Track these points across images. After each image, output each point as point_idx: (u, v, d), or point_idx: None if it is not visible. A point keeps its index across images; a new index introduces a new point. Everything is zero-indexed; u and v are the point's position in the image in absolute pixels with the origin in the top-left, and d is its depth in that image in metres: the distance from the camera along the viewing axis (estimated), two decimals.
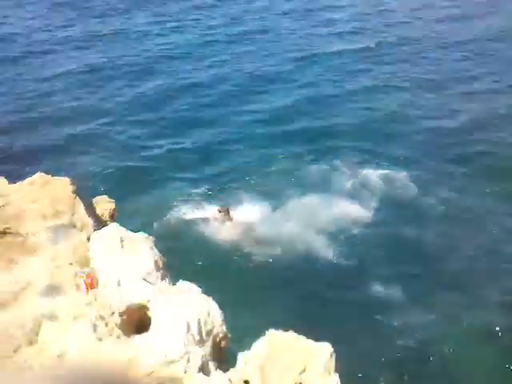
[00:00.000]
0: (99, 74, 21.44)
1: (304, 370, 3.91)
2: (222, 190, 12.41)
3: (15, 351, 4.34)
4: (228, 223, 10.66)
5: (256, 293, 8.91)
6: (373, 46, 23.12)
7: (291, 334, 4.19)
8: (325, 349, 4.03)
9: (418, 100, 17.95)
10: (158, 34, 25.46)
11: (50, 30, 26.79)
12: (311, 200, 11.62)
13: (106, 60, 23.48)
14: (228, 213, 10.79)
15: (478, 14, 27.16)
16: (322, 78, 19.96)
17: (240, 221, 10.95)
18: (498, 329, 8.34)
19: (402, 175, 12.89)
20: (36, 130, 16.18)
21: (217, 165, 13.91)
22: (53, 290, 5.00)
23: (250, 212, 11.23)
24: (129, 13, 29.21)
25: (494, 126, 15.75)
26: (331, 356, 4.02)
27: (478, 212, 11.72)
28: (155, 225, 10.34)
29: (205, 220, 11.00)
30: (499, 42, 22.80)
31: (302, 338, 4.14)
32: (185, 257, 9.45)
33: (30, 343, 4.37)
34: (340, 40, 23.99)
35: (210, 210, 11.08)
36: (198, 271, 8.61)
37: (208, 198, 11.91)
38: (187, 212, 11.26)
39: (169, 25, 26.58)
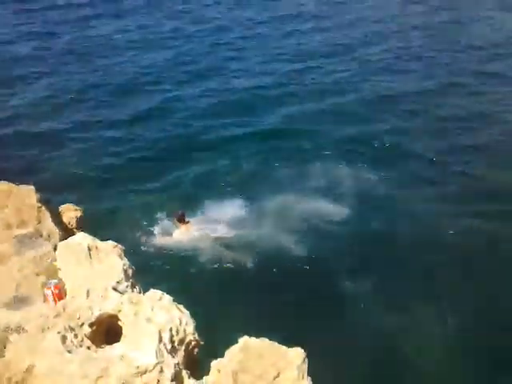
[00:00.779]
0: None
1: (277, 376, 3.94)
2: (186, 195, 12.26)
3: None
4: (184, 226, 10.47)
5: (227, 298, 8.85)
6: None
7: (264, 340, 4.21)
8: (297, 354, 4.06)
9: (391, 98, 18.34)
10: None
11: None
12: (282, 199, 11.66)
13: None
14: (183, 216, 10.59)
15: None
16: (292, 82, 20.17)
17: (201, 225, 10.83)
18: (471, 328, 8.55)
19: (374, 174, 13.12)
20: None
21: (185, 169, 13.80)
22: (19, 301, 4.88)
23: (216, 214, 11.14)
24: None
25: (474, 125, 16.17)
26: (304, 361, 4.06)
27: (449, 210, 12.01)
28: (122, 233, 10.15)
29: (165, 227, 10.83)
30: None
31: (275, 343, 4.16)
32: (151, 266, 9.34)
33: None
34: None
35: (170, 217, 10.90)
36: (165, 280, 8.52)
37: (172, 203, 11.73)
38: (149, 220, 11.05)
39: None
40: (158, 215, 11.24)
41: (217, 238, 10.43)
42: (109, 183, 12.74)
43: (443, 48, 23.50)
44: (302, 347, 4.16)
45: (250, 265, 9.64)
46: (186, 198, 12.12)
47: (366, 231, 11.05)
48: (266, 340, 4.22)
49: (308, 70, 21.30)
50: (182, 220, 10.60)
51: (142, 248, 10.08)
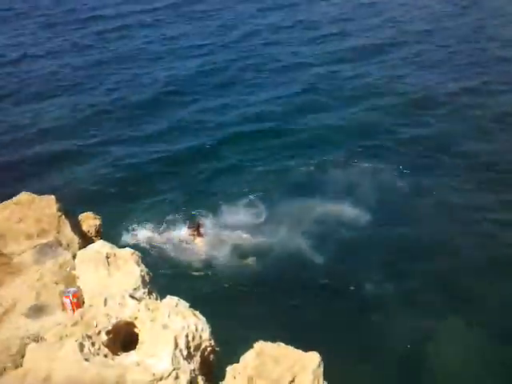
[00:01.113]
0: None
1: (293, 380, 3.90)
2: (199, 202, 12.17)
3: (0, 374, 4.30)
4: (199, 239, 10.38)
5: (242, 304, 8.81)
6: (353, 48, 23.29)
7: (279, 344, 4.18)
8: (313, 358, 4.02)
9: (407, 96, 18.03)
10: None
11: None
12: (298, 203, 11.52)
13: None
14: (198, 229, 10.49)
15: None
16: (302, 82, 20.03)
17: (217, 231, 10.77)
18: (487, 330, 8.33)
19: (393, 174, 12.82)
20: (19, 146, 16.12)
21: (196, 175, 13.74)
22: (38, 310, 4.96)
23: (232, 219, 11.08)
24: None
25: (491, 127, 15.74)
26: (319, 365, 4.01)
27: (471, 211, 11.67)
28: (139, 241, 10.19)
29: (179, 238, 10.76)
30: None
31: (290, 348, 4.13)
32: (168, 273, 9.35)
33: (16, 366, 4.33)
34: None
35: (183, 228, 10.82)
36: (181, 288, 8.54)
37: (190, 210, 11.68)
38: (166, 229, 11.03)
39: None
40: (176, 225, 11.22)
41: (233, 245, 10.37)
42: (124, 192, 12.83)
43: (474, 47, 23.05)
44: (319, 352, 4.11)
45: (266, 271, 9.57)
46: (203, 204, 12.07)
47: (384, 233, 10.81)
48: (282, 344, 4.19)
49: (336, 73, 21.11)
50: (198, 232, 10.57)
51: (159, 256, 10.10)
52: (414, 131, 15.56)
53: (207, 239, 10.47)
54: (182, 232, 10.81)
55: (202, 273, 9.57)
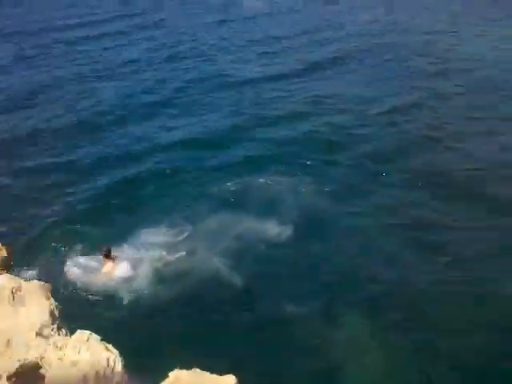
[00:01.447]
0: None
1: None
2: (119, 228, 11.66)
3: None
4: (110, 264, 9.99)
5: (159, 329, 8.50)
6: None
7: (195, 370, 4.11)
8: (229, 381, 3.98)
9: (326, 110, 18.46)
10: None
11: None
12: (221, 221, 11.37)
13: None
14: (109, 252, 10.09)
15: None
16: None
17: (132, 253, 10.41)
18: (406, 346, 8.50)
19: (319, 191, 12.93)
20: None
21: (116, 200, 13.15)
22: None
23: (149, 240, 10.75)
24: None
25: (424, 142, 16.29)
26: None
27: (390, 224, 11.86)
28: (48, 271, 9.64)
29: (93, 263, 10.31)
30: None
31: (207, 373, 4.07)
32: (79, 304, 8.89)
33: None
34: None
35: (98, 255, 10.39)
36: (93, 318, 8.18)
37: (104, 235, 11.18)
38: (77, 255, 10.50)
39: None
40: (87, 250, 10.73)
41: (150, 265, 10.05)
42: (36, 218, 12.11)
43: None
44: (236, 374, 4.08)
45: (184, 291, 9.30)
46: (119, 228, 11.59)
47: (303, 249, 10.77)
48: (198, 370, 4.12)
49: (269, 91, 21.18)
50: (107, 256, 10.19)
51: (70, 286, 9.61)
52: (348, 146, 15.83)
53: (121, 262, 10.08)
54: (96, 259, 10.33)
55: (117, 299, 9.15)
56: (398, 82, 21.24)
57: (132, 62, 25.40)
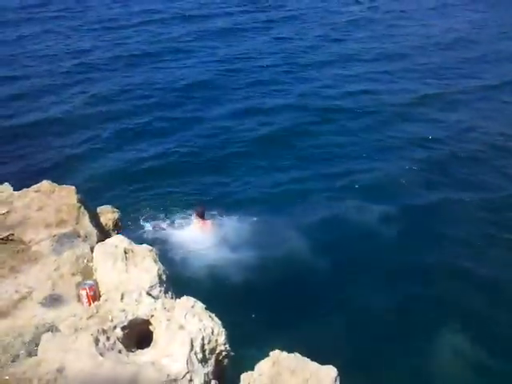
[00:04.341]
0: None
1: None
2: (212, 198, 12.26)
3: (13, 361, 4.27)
4: (205, 223, 10.40)
5: (254, 308, 8.68)
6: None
7: (296, 355, 4.11)
8: (330, 372, 3.95)
9: None
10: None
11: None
12: (316, 202, 11.48)
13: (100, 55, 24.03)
14: (203, 214, 10.54)
15: None
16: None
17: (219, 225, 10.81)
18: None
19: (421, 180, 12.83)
20: (42, 135, 16.31)
21: (215, 176, 13.87)
22: (54, 300, 4.94)
23: (237, 219, 11.13)
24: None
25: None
26: (335, 380, 3.94)
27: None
28: (154, 236, 10.25)
29: (188, 228, 10.86)
30: None
31: (307, 360, 4.06)
32: (178, 271, 9.28)
33: (29, 354, 4.30)
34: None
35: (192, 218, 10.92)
36: (194, 285, 8.47)
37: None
38: (176, 222, 11.13)
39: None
40: (186, 218, 11.32)
41: (241, 240, 10.29)
42: (143, 184, 12.96)
43: None
44: (336, 366, 4.04)
45: (283, 275, 9.43)
46: (213, 194, 12.20)
47: (410, 249, 10.57)
48: (298, 355, 4.13)
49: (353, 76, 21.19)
50: (201, 216, 10.57)
51: (173, 252, 10.08)
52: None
53: (214, 227, 10.48)
54: (191, 223, 10.84)
55: (215, 270, 9.44)
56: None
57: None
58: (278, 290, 9.12)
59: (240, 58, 23.85)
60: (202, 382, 3.89)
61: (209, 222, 10.68)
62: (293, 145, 15.70)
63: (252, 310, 8.57)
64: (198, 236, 10.39)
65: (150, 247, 5.63)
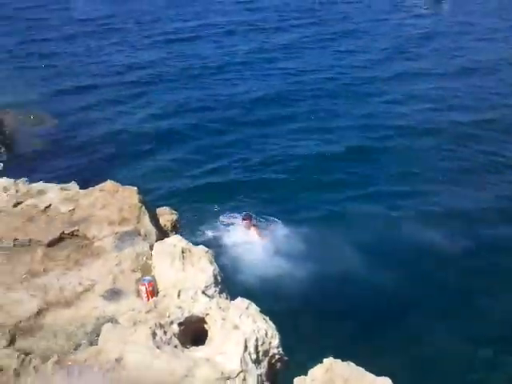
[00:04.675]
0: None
1: None
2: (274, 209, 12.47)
3: (75, 349, 4.45)
4: (253, 229, 10.69)
5: (306, 315, 8.67)
6: None
7: (349, 364, 4.06)
8: (385, 383, 3.87)
9: None
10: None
11: None
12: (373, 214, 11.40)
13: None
14: (251, 219, 10.88)
15: None
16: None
17: (266, 231, 11.00)
18: None
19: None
20: (107, 143, 17.15)
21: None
22: (115, 293, 5.12)
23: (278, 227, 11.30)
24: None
25: None
26: None
27: None
28: (207, 238, 10.53)
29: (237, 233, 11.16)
30: None
31: (361, 369, 4.00)
32: (230, 275, 9.41)
33: (90, 343, 4.47)
34: None
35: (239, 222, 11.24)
36: (245, 290, 8.56)
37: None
38: (229, 227, 11.45)
39: None
40: (233, 220, 11.59)
41: (291, 248, 10.43)
42: (199, 191, 13.38)
43: None
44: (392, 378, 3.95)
45: (333, 285, 9.39)
46: (273, 200, 12.41)
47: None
48: (352, 364, 4.07)
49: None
50: (248, 222, 10.94)
51: (226, 255, 10.30)
52: None
53: (264, 232, 10.75)
54: (239, 227, 11.16)
55: (267, 278, 9.53)
56: None
57: None
58: (329, 305, 9.05)
59: (305, 71, 23.95)
60: (256, 382, 3.91)
61: (260, 230, 10.89)
62: (355, 161, 15.56)
63: (303, 320, 8.53)
64: (250, 242, 10.57)
65: (206, 248, 5.74)
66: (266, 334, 4.28)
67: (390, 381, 3.89)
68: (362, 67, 24.28)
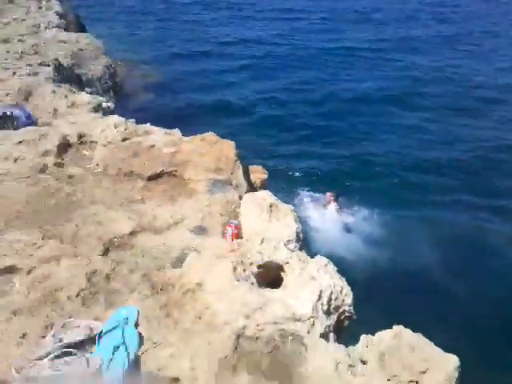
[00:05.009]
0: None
1: (424, 372, 3.77)
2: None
3: (158, 270, 4.81)
4: (334, 205, 11.07)
5: (374, 290, 8.74)
6: None
7: (419, 335, 4.06)
8: (451, 360, 3.83)
9: None
10: None
11: None
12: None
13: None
14: (337, 199, 11.25)
15: None
16: None
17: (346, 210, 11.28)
18: None
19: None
20: (209, 100, 18.00)
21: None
22: (202, 230, 5.44)
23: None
24: None
25: None
26: (456, 370, 3.82)
27: None
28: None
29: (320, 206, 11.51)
30: None
31: (429, 342, 3.99)
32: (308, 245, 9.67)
33: (174, 267, 4.81)
34: None
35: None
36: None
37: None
38: (312, 200, 11.90)
39: None
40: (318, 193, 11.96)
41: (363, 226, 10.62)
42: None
43: None
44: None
45: (400, 278, 9.40)
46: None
47: None
48: (421, 336, 4.07)
49: None
50: (330, 197, 11.36)
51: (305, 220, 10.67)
52: None
53: (343, 210, 11.12)
54: (321, 201, 11.61)
55: (344, 255, 9.68)
56: None
57: None
58: (401, 292, 9.00)
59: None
60: (322, 331, 4.03)
61: (340, 207, 11.28)
62: (457, 170, 15.08)
63: (374, 295, 8.54)
64: (331, 218, 10.89)
65: (292, 207, 5.90)
66: (341, 292, 4.38)
67: (456, 358, 3.85)
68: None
